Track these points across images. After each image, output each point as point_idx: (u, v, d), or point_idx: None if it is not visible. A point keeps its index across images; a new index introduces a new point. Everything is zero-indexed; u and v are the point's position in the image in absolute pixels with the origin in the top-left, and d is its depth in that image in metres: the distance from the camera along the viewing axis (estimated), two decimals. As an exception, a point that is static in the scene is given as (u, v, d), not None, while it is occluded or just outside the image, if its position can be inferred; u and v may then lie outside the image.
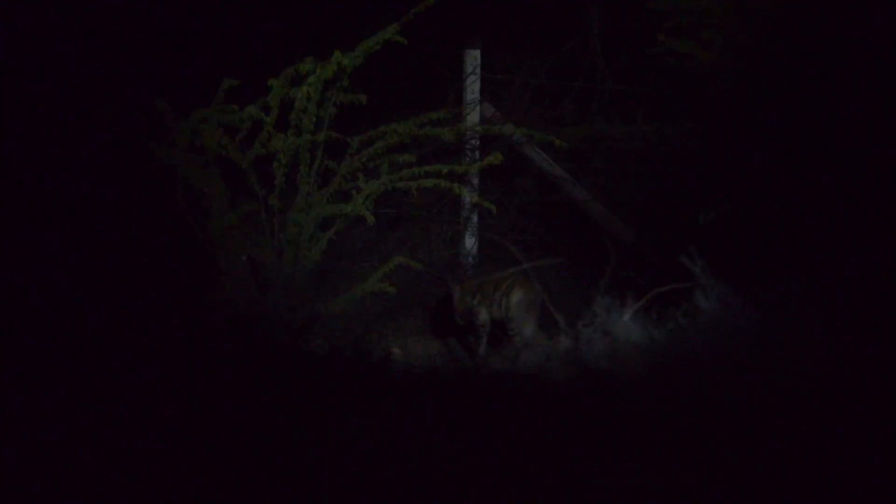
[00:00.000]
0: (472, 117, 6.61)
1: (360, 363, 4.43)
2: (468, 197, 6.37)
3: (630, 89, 6.68)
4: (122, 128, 4.90)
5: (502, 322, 5.01)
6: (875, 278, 4.24)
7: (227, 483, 2.63)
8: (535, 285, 5.01)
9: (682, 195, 5.93)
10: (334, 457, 2.79)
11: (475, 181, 6.57)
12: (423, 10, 4.76)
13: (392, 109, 5.65)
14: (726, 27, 5.23)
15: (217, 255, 4.96)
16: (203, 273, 5.94)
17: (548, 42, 7.12)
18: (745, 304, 3.47)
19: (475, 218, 6.70)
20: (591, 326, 3.44)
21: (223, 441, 2.92)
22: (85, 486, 2.62)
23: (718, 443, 2.84)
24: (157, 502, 2.56)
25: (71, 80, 4.56)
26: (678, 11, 5.29)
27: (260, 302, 4.91)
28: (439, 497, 2.57)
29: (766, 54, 5.15)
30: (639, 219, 6.26)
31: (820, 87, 4.93)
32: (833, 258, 4.53)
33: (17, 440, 2.93)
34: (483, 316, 5.07)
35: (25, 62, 5.36)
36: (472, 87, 6.73)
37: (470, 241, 6.67)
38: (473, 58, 6.78)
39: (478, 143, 6.67)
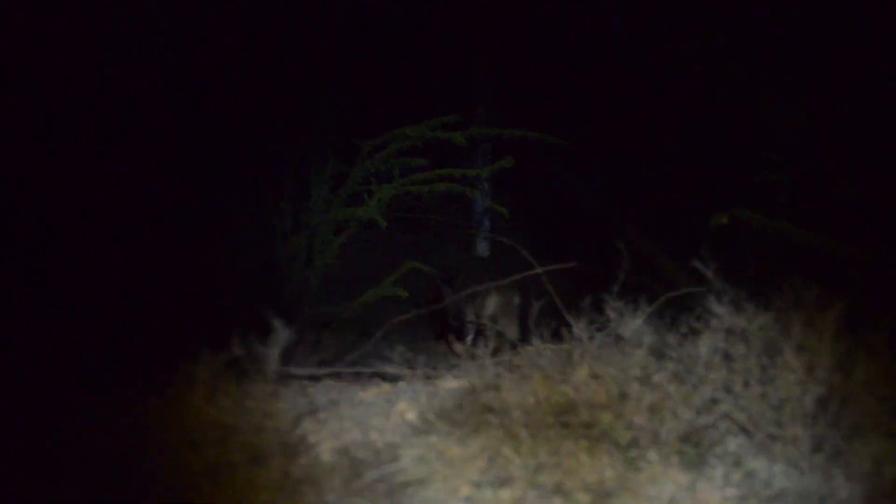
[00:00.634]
0: (485, 121, 6.63)
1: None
2: (480, 201, 6.38)
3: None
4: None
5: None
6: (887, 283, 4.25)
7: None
8: (513, 293, 5.25)
9: (694, 200, 5.93)
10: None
11: (487, 185, 6.59)
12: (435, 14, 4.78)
13: (404, 114, 5.67)
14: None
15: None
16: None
17: (560, 44, 7.12)
18: (757, 309, 3.46)
19: (487, 222, 6.72)
20: (604, 330, 3.43)
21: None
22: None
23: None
24: None
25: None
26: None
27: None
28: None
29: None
30: (651, 223, 6.26)
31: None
32: (845, 263, 4.53)
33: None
34: (471, 315, 5.36)
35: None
36: (485, 91, 6.75)
37: (482, 245, 6.70)
38: (486, 62, 6.81)
39: (490, 146, 6.69)
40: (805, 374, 2.86)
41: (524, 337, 5.12)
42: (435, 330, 5.70)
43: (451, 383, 3.49)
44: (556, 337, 3.45)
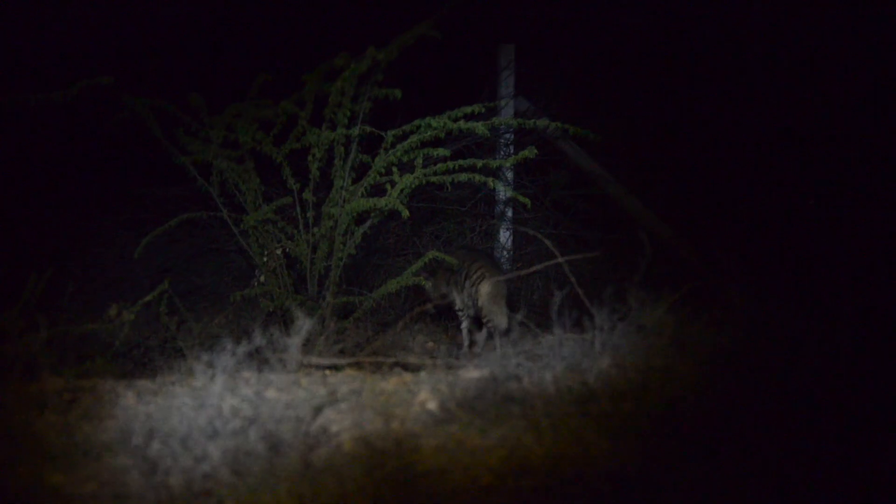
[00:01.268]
0: (507, 111, 6.62)
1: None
2: (502, 191, 6.37)
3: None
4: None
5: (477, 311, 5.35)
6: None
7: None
8: (501, 278, 5.28)
9: (718, 192, 5.90)
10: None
11: (509, 175, 6.58)
12: (457, 4, 4.74)
13: (426, 104, 5.65)
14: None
15: (252, 250, 4.99)
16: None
17: (584, 34, 7.09)
18: (780, 300, 3.44)
19: (509, 212, 6.71)
20: (626, 320, 3.42)
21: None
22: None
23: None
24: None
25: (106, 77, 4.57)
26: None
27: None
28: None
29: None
30: (675, 214, 6.24)
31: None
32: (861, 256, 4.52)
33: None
34: (458, 303, 5.43)
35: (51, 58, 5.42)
36: (507, 82, 6.74)
37: (504, 235, 6.69)
38: (508, 52, 6.78)
39: (512, 137, 6.68)
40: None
41: (511, 326, 5.17)
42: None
43: (472, 373, 3.48)
44: (578, 326, 3.44)
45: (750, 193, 6.07)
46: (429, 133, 4.82)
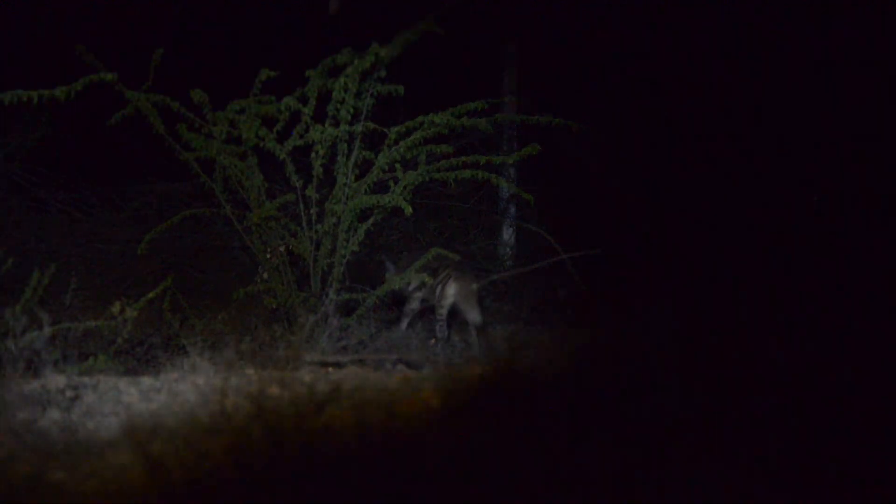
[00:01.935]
0: (510, 108, 6.62)
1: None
2: (506, 188, 6.37)
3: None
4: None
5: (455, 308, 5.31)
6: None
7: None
8: (469, 277, 5.28)
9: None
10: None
11: (512, 172, 6.57)
12: (460, 1, 4.73)
13: (429, 101, 5.64)
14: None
15: (255, 246, 4.99)
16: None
17: (586, 33, 7.08)
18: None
19: (513, 208, 6.71)
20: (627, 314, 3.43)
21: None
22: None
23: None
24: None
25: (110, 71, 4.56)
26: None
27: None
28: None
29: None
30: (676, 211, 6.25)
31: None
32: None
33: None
34: (414, 304, 5.39)
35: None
36: (510, 78, 6.73)
37: (507, 232, 6.68)
38: (511, 48, 6.78)
39: (515, 133, 6.67)
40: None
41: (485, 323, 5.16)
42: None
43: (475, 370, 3.47)
44: (580, 321, 3.44)
45: (750, 188, 6.08)
46: (432, 130, 4.81)
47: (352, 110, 4.73)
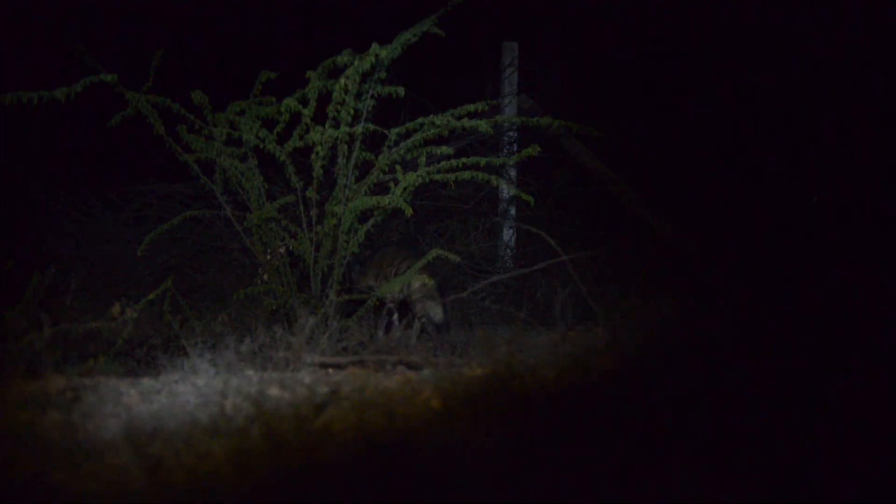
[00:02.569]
0: (510, 109, 6.62)
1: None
2: (506, 189, 6.37)
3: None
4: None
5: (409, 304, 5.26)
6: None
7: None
8: (431, 274, 5.20)
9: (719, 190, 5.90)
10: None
11: (513, 173, 6.58)
12: (461, 1, 4.73)
13: (430, 102, 5.65)
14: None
15: (255, 248, 4.99)
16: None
17: (587, 31, 7.09)
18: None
19: (513, 210, 6.71)
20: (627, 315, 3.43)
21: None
22: None
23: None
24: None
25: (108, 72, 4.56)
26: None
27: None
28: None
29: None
30: (677, 213, 6.25)
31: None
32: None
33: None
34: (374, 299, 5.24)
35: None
36: (510, 79, 6.73)
37: (508, 233, 6.69)
38: (511, 49, 6.78)
39: (515, 135, 6.67)
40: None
41: (447, 321, 5.14)
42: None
43: (475, 371, 3.47)
44: (581, 323, 3.44)
45: (751, 191, 6.07)
46: (432, 131, 4.81)
47: (352, 111, 4.73)
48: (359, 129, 4.76)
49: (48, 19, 6.97)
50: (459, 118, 4.81)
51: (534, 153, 4.80)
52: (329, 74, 4.73)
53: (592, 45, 7.00)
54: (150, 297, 4.38)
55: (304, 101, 4.74)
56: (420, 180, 4.84)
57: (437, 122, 4.79)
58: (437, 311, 5.14)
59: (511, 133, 6.71)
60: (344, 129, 4.72)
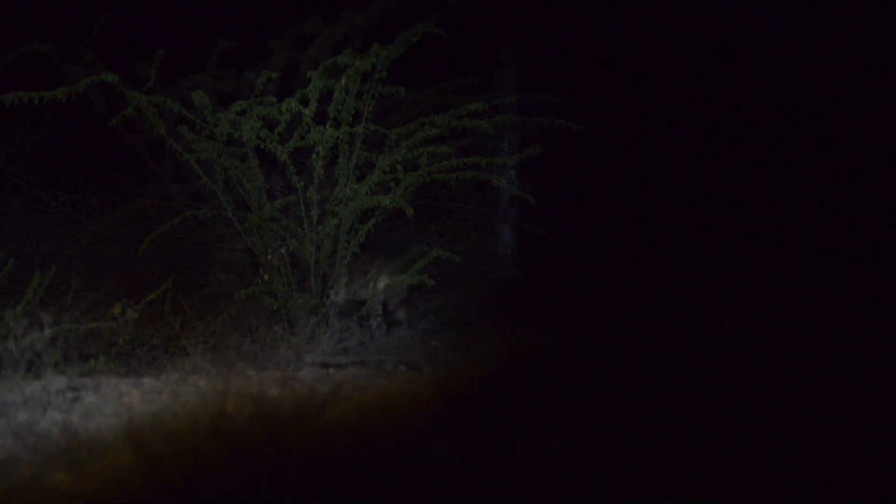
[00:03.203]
0: (511, 109, 6.62)
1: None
2: (507, 189, 6.36)
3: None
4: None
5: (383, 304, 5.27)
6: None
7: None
8: (399, 274, 5.16)
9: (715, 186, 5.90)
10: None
11: (513, 173, 6.58)
12: (462, 1, 4.73)
13: (430, 101, 5.64)
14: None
15: (256, 248, 4.99)
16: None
17: (588, 31, 7.09)
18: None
19: (514, 210, 6.71)
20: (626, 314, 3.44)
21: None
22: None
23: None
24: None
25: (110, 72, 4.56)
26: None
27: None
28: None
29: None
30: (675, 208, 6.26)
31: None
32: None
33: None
34: (341, 295, 5.20)
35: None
36: (511, 79, 6.73)
37: (508, 233, 6.69)
38: (511, 49, 6.78)
39: (517, 135, 6.67)
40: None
41: (413, 321, 5.14)
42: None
43: (474, 370, 3.47)
44: (578, 322, 3.45)
45: (746, 186, 6.09)
46: (433, 131, 4.81)
47: (353, 111, 4.73)
48: (359, 128, 4.76)
49: (51, 17, 6.97)
50: (460, 118, 4.81)
51: (535, 153, 4.80)
52: (330, 74, 4.73)
53: (592, 45, 7.00)
54: (151, 297, 4.38)
55: (305, 102, 4.74)
56: (421, 180, 4.84)
57: (438, 121, 4.79)
58: (401, 311, 5.17)
59: (512, 133, 6.71)
60: (345, 129, 4.72)
